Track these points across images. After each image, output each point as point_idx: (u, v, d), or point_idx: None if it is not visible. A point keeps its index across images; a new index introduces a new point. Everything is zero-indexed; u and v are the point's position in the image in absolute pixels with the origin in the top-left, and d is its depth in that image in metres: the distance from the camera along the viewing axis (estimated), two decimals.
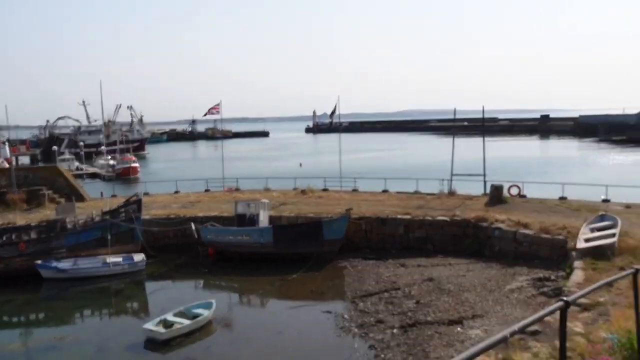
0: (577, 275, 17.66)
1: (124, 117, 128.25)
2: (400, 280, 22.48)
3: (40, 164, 67.98)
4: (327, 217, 27.85)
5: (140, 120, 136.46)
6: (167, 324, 18.10)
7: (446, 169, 35.59)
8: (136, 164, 70.04)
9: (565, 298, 4.12)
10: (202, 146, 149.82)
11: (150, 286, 24.72)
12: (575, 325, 13.59)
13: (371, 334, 17.49)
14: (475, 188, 34.28)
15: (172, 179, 42.47)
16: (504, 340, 3.33)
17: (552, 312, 4.17)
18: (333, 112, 37.97)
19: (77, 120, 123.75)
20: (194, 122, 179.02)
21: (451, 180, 34.17)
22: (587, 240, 19.97)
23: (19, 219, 29.39)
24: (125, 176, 65.08)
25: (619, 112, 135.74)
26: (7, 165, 47.72)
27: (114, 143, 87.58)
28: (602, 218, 22.56)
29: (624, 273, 6.68)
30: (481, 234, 25.46)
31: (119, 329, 19.88)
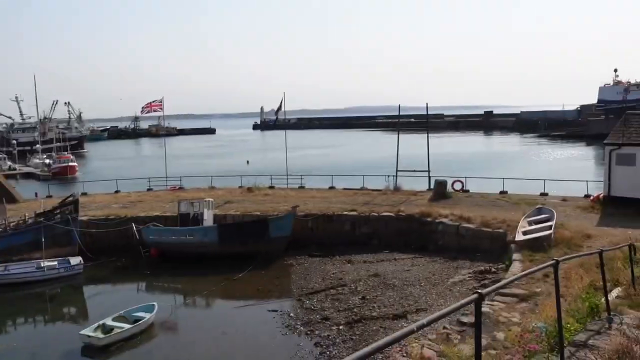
0: (515, 267, 18.13)
1: (61, 113, 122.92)
2: (346, 276, 22.51)
3: None
4: (273, 214, 27.59)
5: (79, 117, 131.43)
6: (106, 329, 17.44)
7: (392, 165, 35.95)
8: (74, 163, 67.33)
9: (479, 291, 4.07)
10: (146, 144, 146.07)
11: (88, 290, 23.79)
12: (512, 316, 13.94)
13: (317, 331, 17.42)
14: (421, 184, 34.79)
15: (112, 178, 41.04)
16: (410, 333, 3.24)
17: (466, 305, 4.13)
18: (279, 109, 37.69)
19: (10, 117, 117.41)
20: (136, 119, 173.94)
21: (396, 176, 34.56)
22: (525, 232, 20.55)
23: None
24: (62, 176, 62.36)
25: (559, 108, 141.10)
26: None
27: (51, 141, 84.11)
28: (539, 211, 23.29)
29: (542, 265, 6.84)
30: (425, 228, 25.81)
31: (55, 335, 19.04)
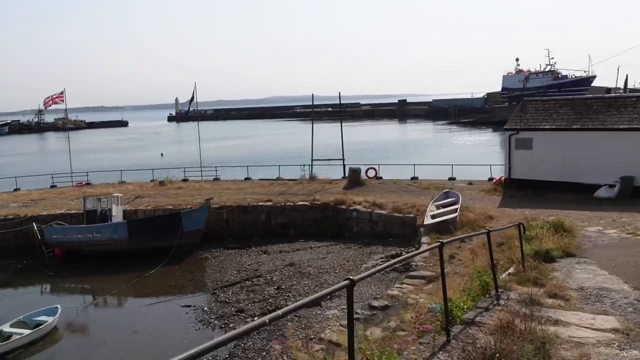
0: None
1: None
2: (262, 267, 22.44)
3: None
4: (187, 208, 26.95)
5: None
6: (4, 336, 16.34)
7: (309, 155, 36.12)
8: None
9: (351, 277, 4.09)
10: (51, 138, 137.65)
11: None
12: (420, 297, 14.39)
13: (232, 324, 17.24)
14: (336, 172, 35.22)
15: (11, 175, 38.37)
16: (263, 324, 3.17)
17: (337, 290, 4.15)
18: (191, 99, 36.62)
19: None
20: (40, 112, 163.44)
21: (312, 165, 34.75)
22: (433, 216, 21.31)
23: None
24: None
25: (469, 96, 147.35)
26: None
27: None
28: (446, 195, 24.23)
29: (429, 247, 7.08)
30: (340, 216, 26.16)
31: None
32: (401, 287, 16.04)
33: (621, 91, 77.61)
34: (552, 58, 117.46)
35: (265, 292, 19.62)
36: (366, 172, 33.12)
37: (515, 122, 26.68)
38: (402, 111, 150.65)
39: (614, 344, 6.21)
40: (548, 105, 26.79)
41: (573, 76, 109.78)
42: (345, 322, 15.04)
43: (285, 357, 12.04)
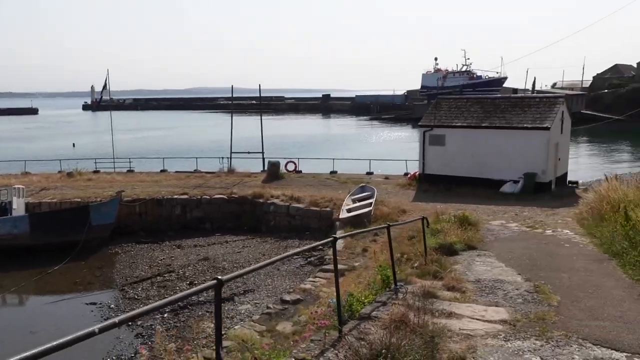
0: (338, 244, 18.85)
1: None
2: (175, 262, 21.86)
3: None
4: (96, 201, 25.71)
5: None
6: None
7: (229, 147, 35.53)
8: None
9: (219, 277, 3.95)
10: None
11: None
12: (332, 291, 14.44)
13: (139, 322, 16.57)
14: (256, 165, 34.91)
15: None
16: (92, 334, 2.91)
17: (204, 290, 3.98)
18: (104, 87, 34.77)
19: None
20: None
21: (231, 158, 34.22)
22: (348, 210, 21.55)
23: None
24: None
25: (390, 93, 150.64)
26: None
27: None
28: (362, 189, 24.58)
29: (321, 242, 7.10)
30: (257, 210, 25.93)
31: None
32: (314, 281, 16.08)
33: (529, 92, 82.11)
34: (468, 59, 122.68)
35: (177, 288, 19.11)
36: (286, 165, 33.04)
37: (429, 119, 27.50)
38: (325, 106, 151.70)
39: (501, 335, 6.45)
40: (460, 103, 27.83)
41: (487, 77, 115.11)
42: (257, 318, 14.83)
43: None
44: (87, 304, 18.26)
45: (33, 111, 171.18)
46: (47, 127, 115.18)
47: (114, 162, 35.05)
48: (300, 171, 33.47)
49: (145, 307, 3.39)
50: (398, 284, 8.23)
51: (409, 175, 29.61)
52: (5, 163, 37.58)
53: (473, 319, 6.98)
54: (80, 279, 20.70)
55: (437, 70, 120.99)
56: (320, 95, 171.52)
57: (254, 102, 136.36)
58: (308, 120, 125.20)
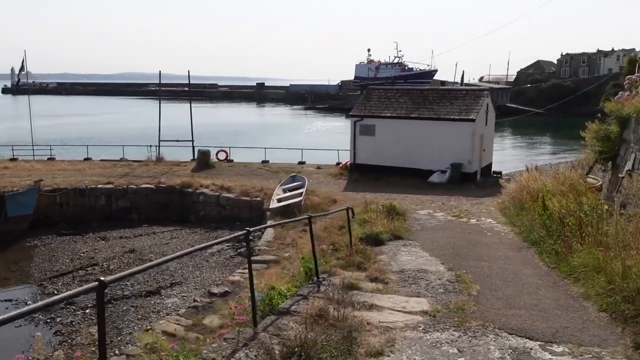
0: (268, 234, 18.76)
1: None
2: (99, 255, 21.00)
3: None
4: (12, 190, 24.21)
5: None
6: None
7: (162, 135, 34.40)
8: None
9: (102, 278, 3.68)
10: None
11: None
12: (260, 282, 14.27)
13: (59, 318, 15.79)
14: (186, 154, 34.04)
15: None
16: None
17: (84, 293, 3.70)
18: (21, 70, 32.68)
19: None
20: None
21: (159, 146, 33.18)
22: (279, 200, 21.38)
23: None
24: None
25: (325, 82, 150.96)
26: None
27: None
28: (293, 179, 24.46)
29: (233, 235, 6.90)
30: (186, 200, 25.30)
31: None
32: (243, 273, 15.82)
33: (458, 85, 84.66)
34: (400, 51, 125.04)
35: None
36: (217, 154, 32.41)
37: (360, 109, 27.70)
38: (260, 94, 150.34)
39: (420, 327, 6.51)
40: (390, 94, 28.20)
41: (418, 69, 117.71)
42: (183, 311, 14.41)
43: None
44: (1, 300, 17.22)
45: None
46: None
47: (33, 150, 33.16)
48: (232, 160, 32.93)
49: (13, 313, 3.04)
50: (322, 276, 8.16)
51: (340, 165, 29.78)
52: None
53: (394, 310, 7.01)
54: None
55: (370, 62, 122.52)
56: (255, 84, 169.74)
57: (186, 88, 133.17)
58: (242, 109, 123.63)
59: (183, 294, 16.89)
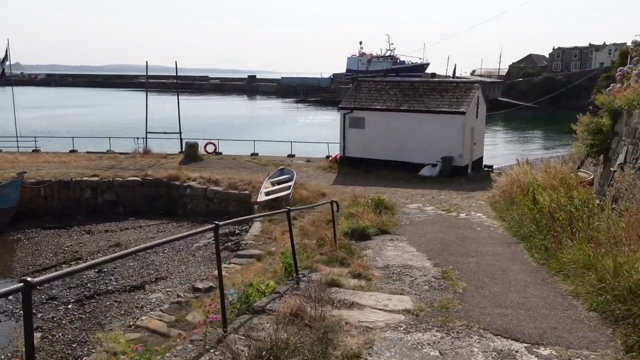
0: (255, 228, 18.46)
1: None
2: (83, 248, 20.69)
3: None
4: None
5: None
6: None
7: (150, 127, 33.94)
8: None
9: (28, 279, 3.36)
10: None
11: None
12: (247, 277, 13.99)
13: (40, 314, 15.47)
14: (174, 146, 33.61)
15: None
16: None
17: (7, 295, 3.39)
18: (4, 59, 32.23)
19: None
20: None
21: (146, 138, 32.72)
22: (267, 193, 21.07)
23: None
24: None
25: (317, 75, 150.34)
26: None
27: None
28: (281, 172, 24.14)
29: (202, 229, 6.55)
30: (173, 193, 24.95)
31: None
32: (228, 267, 15.52)
33: (450, 78, 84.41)
34: (392, 44, 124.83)
35: (85, 276, 18.00)
36: (205, 147, 32.01)
37: (349, 101, 27.35)
38: (251, 87, 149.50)
39: (401, 327, 6.20)
40: (380, 86, 27.84)
41: (410, 62, 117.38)
42: (167, 307, 14.07)
43: None
44: None
45: None
46: None
47: (17, 141, 32.61)
48: (220, 153, 32.54)
49: None
50: (302, 272, 7.84)
51: (330, 158, 29.47)
52: None
53: (375, 309, 6.70)
54: None
55: (362, 55, 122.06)
56: (246, 76, 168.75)
57: (177, 80, 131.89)
58: (233, 101, 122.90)
59: (168, 289, 16.59)
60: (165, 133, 33.72)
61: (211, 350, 4.74)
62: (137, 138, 32.75)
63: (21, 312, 16.00)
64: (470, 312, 6.85)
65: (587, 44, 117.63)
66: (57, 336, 14.31)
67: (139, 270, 18.38)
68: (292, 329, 4.82)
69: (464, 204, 18.44)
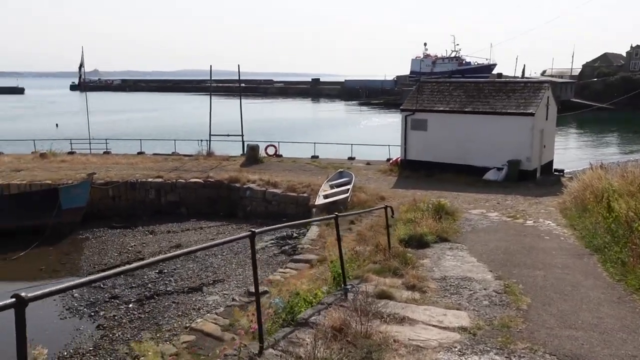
0: (312, 232, 18.20)
1: None
2: (146, 249, 21.11)
3: None
4: (68, 183, 24.78)
5: None
6: None
7: (213, 130, 34.56)
8: None
9: (22, 294, 3.12)
10: None
11: None
12: (303, 283, 13.74)
13: (102, 312, 15.83)
14: (236, 149, 34.05)
15: None
16: None
17: (1, 310, 3.14)
18: (80, 66, 33.83)
19: None
20: None
21: (210, 140, 33.30)
22: (325, 196, 20.80)
23: None
24: None
25: (382, 78, 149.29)
26: None
27: None
28: (340, 175, 23.83)
29: (237, 237, 6.23)
30: (234, 195, 25.16)
31: None
32: (284, 272, 15.35)
33: (518, 79, 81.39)
34: (458, 44, 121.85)
35: (146, 277, 18.33)
36: (266, 149, 32.19)
37: (411, 103, 26.66)
38: (315, 90, 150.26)
39: (456, 347, 5.66)
40: (443, 87, 26.98)
41: (476, 63, 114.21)
42: (222, 310, 14.01)
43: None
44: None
45: (19, 90, 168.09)
46: (33, 106, 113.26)
47: (89, 143, 34.02)
48: (281, 155, 32.64)
49: None
50: (352, 282, 7.44)
51: (390, 161, 28.88)
52: None
53: (428, 325, 6.20)
54: (46, 266, 19.87)
55: (427, 56, 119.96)
56: (310, 80, 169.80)
57: (243, 85, 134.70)
58: (298, 104, 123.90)
59: (224, 292, 16.60)
60: (227, 135, 34.21)
61: None
62: (201, 140, 33.40)
63: (85, 309, 16.51)
64: (534, 333, 6.21)
65: None
66: (117, 335, 14.57)
67: (197, 272, 18.52)
68: (335, 345, 4.46)
69: (531, 210, 17.43)
